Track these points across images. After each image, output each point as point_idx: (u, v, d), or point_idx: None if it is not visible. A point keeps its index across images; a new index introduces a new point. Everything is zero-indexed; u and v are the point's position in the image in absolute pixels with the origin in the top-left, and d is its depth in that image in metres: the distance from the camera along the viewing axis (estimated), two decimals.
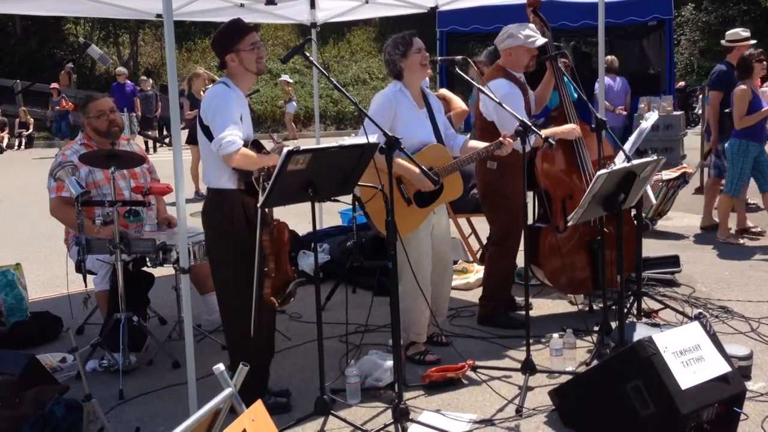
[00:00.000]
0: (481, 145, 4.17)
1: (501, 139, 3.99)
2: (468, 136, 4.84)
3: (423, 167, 3.46)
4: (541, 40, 4.59)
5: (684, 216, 8.20)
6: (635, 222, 4.61)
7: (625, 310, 4.40)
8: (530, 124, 3.81)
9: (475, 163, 4.78)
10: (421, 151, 4.00)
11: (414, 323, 4.17)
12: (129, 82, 18.05)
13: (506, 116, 4.12)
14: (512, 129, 3.93)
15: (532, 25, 4.70)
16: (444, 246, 4.33)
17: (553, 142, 3.88)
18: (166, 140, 16.97)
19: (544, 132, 4.12)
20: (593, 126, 4.34)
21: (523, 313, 3.96)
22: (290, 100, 19.70)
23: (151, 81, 19.58)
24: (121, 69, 18.71)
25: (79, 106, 4.83)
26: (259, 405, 2.11)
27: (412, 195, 4.05)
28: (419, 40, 4.12)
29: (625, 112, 10.61)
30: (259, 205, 3.26)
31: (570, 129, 4.61)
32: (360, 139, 3.34)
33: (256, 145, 3.53)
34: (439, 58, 4.56)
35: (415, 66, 4.09)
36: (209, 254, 3.76)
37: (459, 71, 4.08)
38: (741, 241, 6.79)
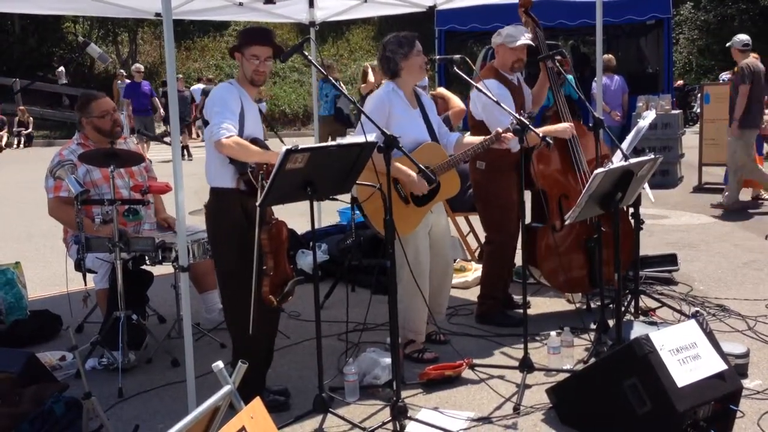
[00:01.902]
0: (476, 140, 4.19)
1: (495, 133, 4.00)
2: (467, 134, 4.86)
3: (421, 166, 3.47)
4: (522, 41, 4.58)
5: (682, 214, 8.23)
6: (632, 220, 4.64)
7: (623, 309, 4.42)
8: (526, 122, 3.82)
9: (469, 164, 4.80)
10: (416, 150, 4.01)
11: (412, 322, 4.18)
12: (145, 81, 15.70)
13: (494, 116, 4.15)
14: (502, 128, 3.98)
15: (521, 27, 4.72)
16: (444, 245, 4.34)
17: (551, 141, 3.89)
18: (166, 138, 16.48)
19: (540, 131, 4.12)
20: (590, 125, 4.35)
21: (521, 311, 3.97)
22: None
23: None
24: (137, 66, 16.24)
25: (78, 106, 4.80)
26: (257, 402, 2.12)
27: (409, 194, 4.06)
28: (419, 42, 4.15)
29: (619, 118, 10.62)
30: (257, 203, 3.28)
31: (564, 128, 4.62)
32: (358, 138, 3.35)
33: (258, 145, 3.54)
34: (438, 57, 4.58)
35: (415, 68, 4.11)
36: (212, 252, 3.81)
37: (457, 70, 4.09)
38: None
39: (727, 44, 8.48)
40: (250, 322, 3.41)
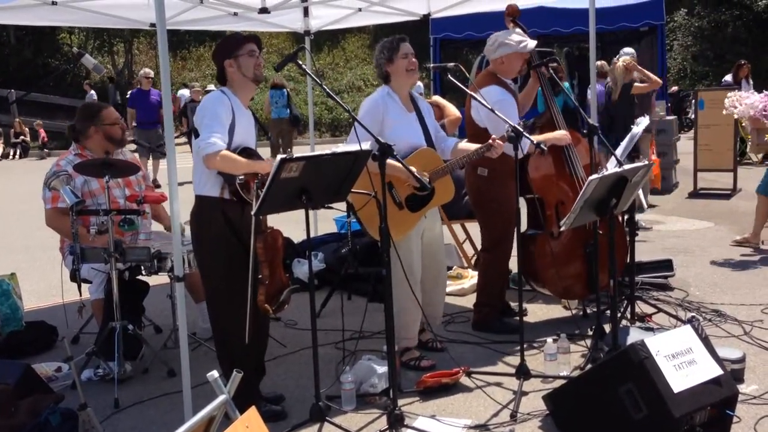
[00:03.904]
0: (472, 147, 4.20)
1: (491, 141, 4.02)
2: (464, 140, 4.87)
3: (416, 173, 3.48)
4: (532, 44, 4.62)
5: (678, 220, 8.24)
6: (627, 226, 4.65)
7: (619, 315, 4.43)
8: (522, 130, 3.84)
9: (465, 170, 4.80)
10: (411, 155, 4.02)
11: (405, 327, 4.18)
12: (155, 89, 12.78)
13: (498, 122, 4.15)
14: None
15: (518, 30, 4.74)
16: (438, 251, 4.34)
17: (545, 148, 3.91)
18: (162, 149, 16.04)
19: (535, 138, 4.14)
20: (584, 131, 4.37)
21: (518, 318, 3.98)
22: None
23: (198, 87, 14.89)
24: (146, 71, 13.27)
25: (84, 115, 4.78)
26: (253, 412, 2.11)
27: (403, 199, 4.06)
28: (407, 45, 4.15)
29: None
30: (253, 212, 3.28)
31: (561, 135, 4.64)
32: (353, 147, 3.36)
33: (247, 153, 3.54)
34: (431, 65, 4.60)
35: (401, 71, 4.12)
36: (197, 260, 3.82)
37: (451, 78, 4.11)
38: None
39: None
40: (238, 331, 3.41)
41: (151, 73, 13.06)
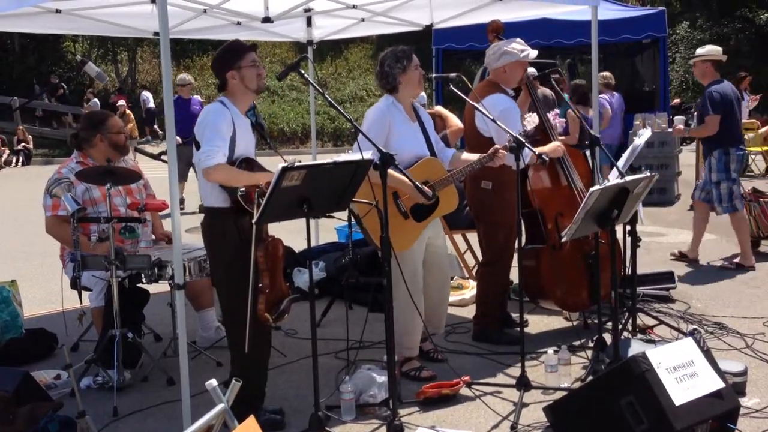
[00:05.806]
0: (473, 157, 4.20)
1: (493, 150, 4.02)
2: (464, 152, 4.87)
3: (417, 183, 3.48)
4: (533, 53, 4.63)
5: (680, 232, 8.23)
6: (630, 237, 4.64)
7: (620, 326, 4.41)
8: (524, 140, 3.84)
9: (465, 182, 4.80)
10: (415, 165, 4.03)
11: (406, 338, 4.17)
12: (195, 97, 10.91)
13: (503, 131, 4.14)
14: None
15: (519, 39, 4.74)
16: (442, 261, 4.34)
17: (547, 159, 3.91)
18: (164, 157, 15.95)
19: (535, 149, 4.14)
20: (588, 143, 4.37)
21: (519, 329, 3.96)
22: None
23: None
24: (184, 77, 10.82)
25: (90, 123, 4.79)
26: (251, 421, 2.11)
27: (408, 209, 4.06)
28: (416, 56, 4.18)
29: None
30: (254, 221, 3.27)
31: (555, 147, 4.63)
32: (355, 156, 3.36)
33: (248, 163, 3.54)
34: (434, 75, 4.61)
35: (413, 82, 4.13)
36: (210, 271, 3.81)
37: (453, 88, 4.12)
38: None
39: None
40: (246, 339, 3.39)
41: (192, 80, 11.09)
